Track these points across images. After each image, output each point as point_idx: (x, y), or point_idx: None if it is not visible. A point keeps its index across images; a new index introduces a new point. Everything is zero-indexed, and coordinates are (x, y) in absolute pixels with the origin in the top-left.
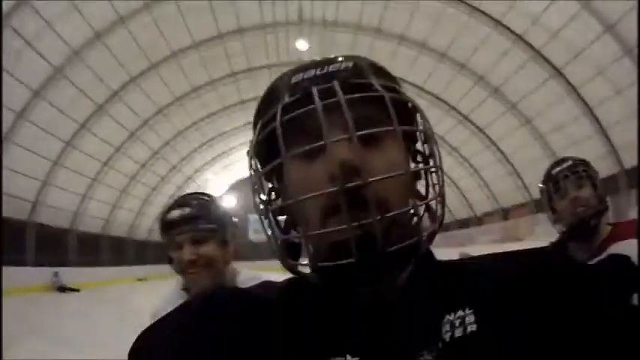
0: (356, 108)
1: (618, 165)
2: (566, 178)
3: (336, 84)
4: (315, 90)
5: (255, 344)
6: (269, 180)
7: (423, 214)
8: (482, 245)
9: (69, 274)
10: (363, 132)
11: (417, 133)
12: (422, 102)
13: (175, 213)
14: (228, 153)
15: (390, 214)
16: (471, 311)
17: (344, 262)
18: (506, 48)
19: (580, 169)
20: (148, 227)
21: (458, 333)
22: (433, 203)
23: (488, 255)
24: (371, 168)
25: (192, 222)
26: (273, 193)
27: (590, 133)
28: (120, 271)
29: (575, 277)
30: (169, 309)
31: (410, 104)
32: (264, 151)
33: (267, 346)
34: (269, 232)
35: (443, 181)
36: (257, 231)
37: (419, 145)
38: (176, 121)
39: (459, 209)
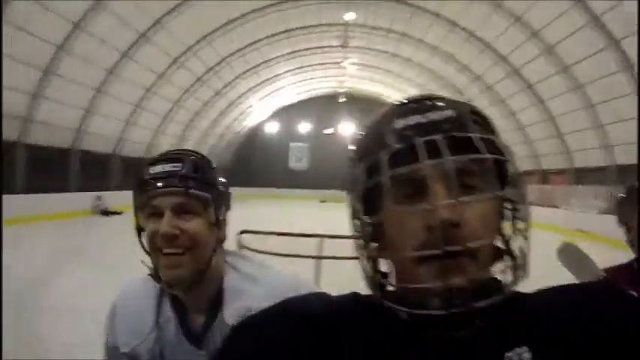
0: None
1: None
2: None
3: (441, 142)
4: (420, 144)
5: None
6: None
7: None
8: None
9: (112, 198)
10: (467, 199)
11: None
12: (472, 47)
13: (158, 167)
14: (273, 80)
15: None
16: (526, 348)
17: (435, 312)
18: (564, 9)
19: None
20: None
21: None
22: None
23: (548, 290)
24: (467, 223)
25: (181, 182)
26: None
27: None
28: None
29: (632, 316)
30: (133, 302)
31: (504, 150)
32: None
33: None
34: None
35: (529, 229)
36: (298, 159)
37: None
38: (220, 48)
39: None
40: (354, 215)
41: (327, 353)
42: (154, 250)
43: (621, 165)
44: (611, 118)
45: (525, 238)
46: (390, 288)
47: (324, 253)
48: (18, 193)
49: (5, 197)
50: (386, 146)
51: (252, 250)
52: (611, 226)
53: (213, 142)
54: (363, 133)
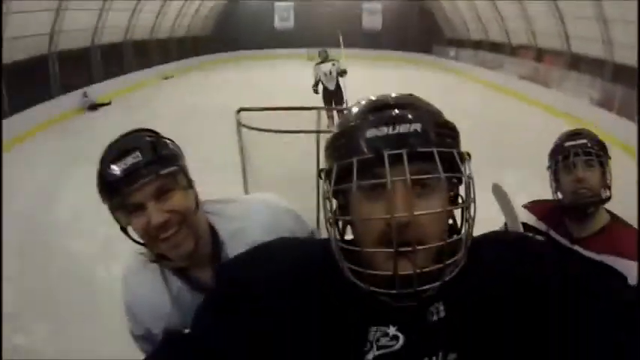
0: (415, 165)
1: None
2: (577, 155)
3: (404, 155)
4: (386, 157)
5: (305, 310)
6: (335, 197)
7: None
8: (511, 76)
9: (97, 90)
10: (419, 213)
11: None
12: None
13: (117, 167)
14: None
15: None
16: (441, 302)
17: (387, 291)
18: None
19: (594, 151)
20: (169, 25)
21: (434, 318)
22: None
23: (479, 242)
24: (418, 224)
25: (149, 170)
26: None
27: None
28: (145, 73)
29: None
30: (142, 293)
31: (462, 156)
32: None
33: (315, 313)
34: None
35: (473, 217)
36: (283, 19)
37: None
38: None
39: (494, 31)
40: (325, 196)
41: (291, 305)
42: (150, 240)
43: (619, 64)
44: (615, 15)
45: (470, 228)
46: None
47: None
48: (5, 118)
49: None
50: (359, 152)
51: (252, 128)
52: (599, 118)
53: (192, 13)
54: (339, 132)
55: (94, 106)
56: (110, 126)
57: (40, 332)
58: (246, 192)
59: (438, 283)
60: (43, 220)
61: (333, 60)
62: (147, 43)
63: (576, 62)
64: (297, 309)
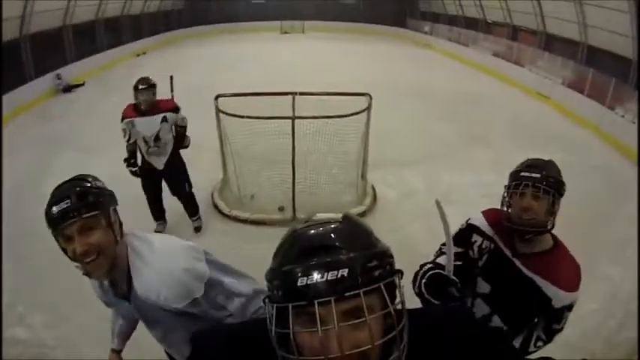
0: (347, 303)
1: None
2: (527, 187)
3: (333, 305)
4: (316, 306)
5: None
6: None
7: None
8: (485, 53)
9: (71, 72)
10: (351, 352)
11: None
12: None
13: (55, 209)
14: None
15: None
16: None
17: None
18: None
19: (543, 185)
20: (141, 0)
21: None
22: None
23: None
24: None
25: (75, 214)
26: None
27: None
28: (119, 51)
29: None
30: (95, 284)
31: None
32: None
33: None
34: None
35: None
36: None
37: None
38: None
39: (468, 6)
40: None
41: None
42: (77, 261)
43: (593, 46)
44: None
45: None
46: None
47: (297, 107)
48: None
49: None
50: (292, 299)
51: (229, 114)
52: (570, 99)
53: None
54: (273, 272)
55: (68, 88)
56: (87, 109)
57: (37, 323)
58: (225, 173)
59: None
60: (28, 208)
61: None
62: (119, 20)
63: (550, 42)
64: None
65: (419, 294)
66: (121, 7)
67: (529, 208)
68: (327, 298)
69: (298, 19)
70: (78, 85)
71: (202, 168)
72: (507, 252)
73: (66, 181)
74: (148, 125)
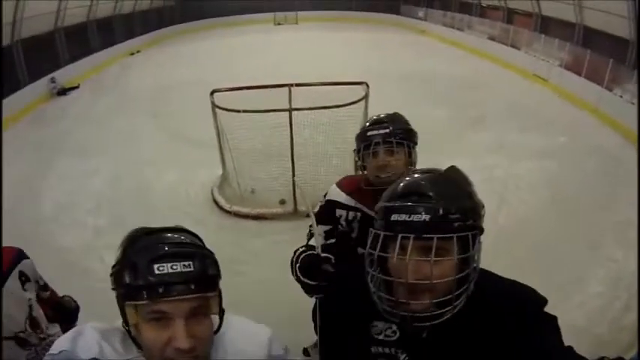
0: (423, 242)
1: None
2: (378, 144)
3: (411, 241)
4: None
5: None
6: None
7: None
8: (481, 37)
9: (65, 74)
10: (432, 282)
11: None
12: None
13: (166, 266)
14: None
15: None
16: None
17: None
18: None
19: (394, 139)
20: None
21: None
22: None
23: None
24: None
25: (196, 287)
26: None
27: None
28: (113, 50)
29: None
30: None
31: None
32: None
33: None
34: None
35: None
36: None
37: None
38: None
39: None
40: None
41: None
42: (156, 352)
43: (589, 27)
44: None
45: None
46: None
47: (293, 98)
48: None
49: None
50: (385, 228)
51: (227, 110)
52: (568, 81)
53: None
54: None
55: (62, 91)
56: (83, 112)
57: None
58: (224, 169)
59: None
60: (28, 214)
61: None
62: (111, 20)
63: (546, 24)
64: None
65: (297, 279)
66: (112, 7)
67: (386, 165)
68: (407, 235)
69: (291, 10)
70: (73, 88)
71: (200, 164)
72: None
73: (173, 229)
74: None
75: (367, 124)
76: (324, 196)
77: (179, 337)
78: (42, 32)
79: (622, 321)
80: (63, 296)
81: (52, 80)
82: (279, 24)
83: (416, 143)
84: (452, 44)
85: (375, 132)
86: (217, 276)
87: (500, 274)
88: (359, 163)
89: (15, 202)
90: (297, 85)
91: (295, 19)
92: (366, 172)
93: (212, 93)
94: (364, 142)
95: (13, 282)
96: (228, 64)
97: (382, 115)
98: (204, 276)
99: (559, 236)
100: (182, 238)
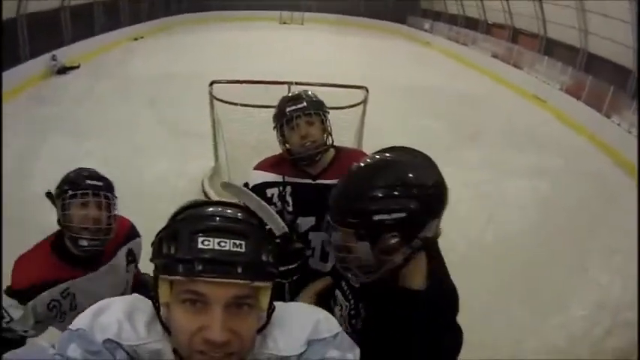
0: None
1: None
2: (298, 117)
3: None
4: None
5: None
6: None
7: None
8: (484, 54)
9: (67, 53)
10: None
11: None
12: None
13: (214, 245)
14: None
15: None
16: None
17: None
18: None
19: (312, 111)
20: None
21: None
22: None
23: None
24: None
25: (247, 273)
26: None
27: None
28: (116, 34)
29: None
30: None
31: None
32: None
33: None
34: None
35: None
36: None
37: None
38: None
39: (470, 6)
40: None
41: None
42: (188, 346)
43: (593, 54)
44: (596, 8)
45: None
46: None
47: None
48: None
49: None
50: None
51: (224, 102)
52: (567, 105)
53: None
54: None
55: (62, 70)
56: (80, 93)
57: None
58: (216, 162)
59: None
60: (18, 192)
61: None
62: (117, 3)
63: (551, 47)
64: None
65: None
66: None
67: (307, 135)
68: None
69: (298, 10)
70: (73, 68)
71: (193, 156)
72: (307, 181)
73: (222, 203)
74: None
75: (283, 102)
76: (246, 185)
77: (213, 327)
78: (48, 9)
79: (602, 345)
80: (144, 274)
81: (54, 58)
82: (284, 23)
83: (328, 112)
84: (455, 58)
85: (293, 107)
86: (273, 265)
87: (484, 291)
88: (281, 138)
89: (5, 178)
90: (297, 83)
91: (301, 19)
92: (287, 146)
93: (211, 84)
94: (285, 118)
95: (119, 260)
96: (231, 58)
97: (295, 93)
98: (256, 261)
99: (545, 257)
100: (239, 214)
